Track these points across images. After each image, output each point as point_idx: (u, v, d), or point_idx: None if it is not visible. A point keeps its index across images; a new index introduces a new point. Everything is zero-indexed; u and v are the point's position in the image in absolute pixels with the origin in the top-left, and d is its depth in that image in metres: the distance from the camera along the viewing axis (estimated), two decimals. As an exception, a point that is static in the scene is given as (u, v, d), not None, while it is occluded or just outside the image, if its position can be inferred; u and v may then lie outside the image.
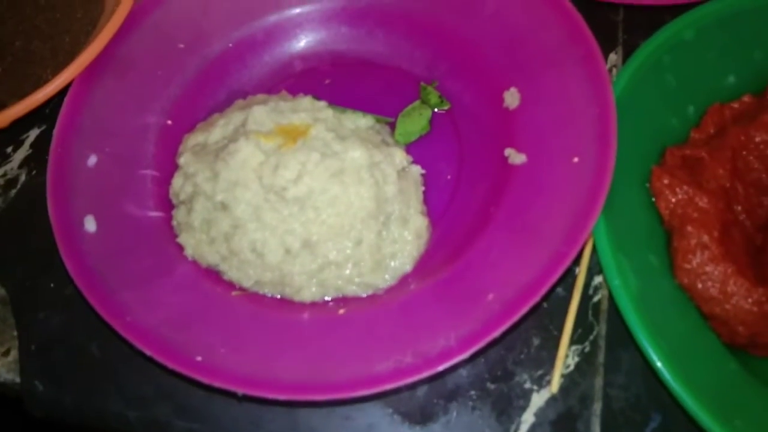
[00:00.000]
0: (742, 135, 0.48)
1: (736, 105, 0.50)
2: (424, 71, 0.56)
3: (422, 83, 0.55)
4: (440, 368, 0.38)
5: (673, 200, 0.45)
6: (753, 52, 0.52)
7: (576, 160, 0.45)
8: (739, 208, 0.46)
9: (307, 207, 0.45)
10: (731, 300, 0.42)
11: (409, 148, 0.53)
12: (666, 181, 0.46)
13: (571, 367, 0.47)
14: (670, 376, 0.40)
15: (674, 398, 0.40)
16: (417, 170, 0.50)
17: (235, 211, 0.45)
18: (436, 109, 0.54)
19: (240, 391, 0.40)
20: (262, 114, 0.47)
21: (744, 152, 0.47)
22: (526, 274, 0.42)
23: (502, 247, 0.45)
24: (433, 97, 0.54)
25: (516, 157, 0.48)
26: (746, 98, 0.51)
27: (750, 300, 0.42)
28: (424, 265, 0.47)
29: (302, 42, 0.56)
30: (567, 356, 0.47)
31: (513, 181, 0.48)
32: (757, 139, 0.48)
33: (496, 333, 0.39)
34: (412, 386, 0.45)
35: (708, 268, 0.43)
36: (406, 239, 0.48)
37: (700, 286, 0.43)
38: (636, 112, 0.48)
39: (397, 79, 0.56)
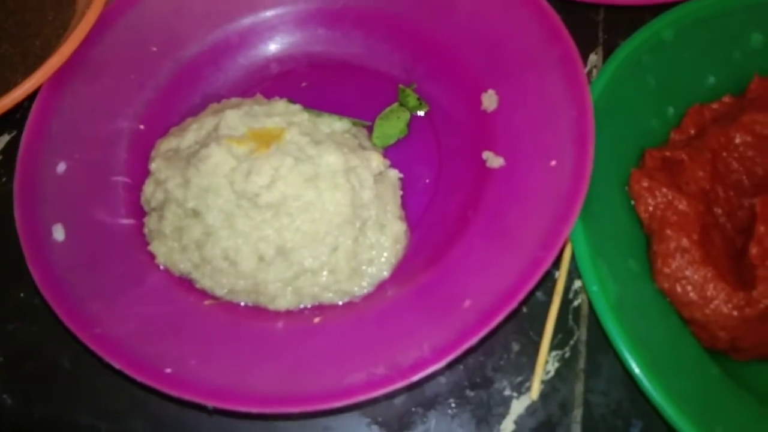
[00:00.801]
0: (722, 136, 0.47)
1: (716, 106, 0.50)
2: (402, 73, 0.55)
3: (400, 85, 0.54)
4: (413, 379, 0.37)
5: (653, 203, 0.45)
6: (732, 53, 0.51)
7: (554, 163, 0.44)
8: (720, 210, 0.46)
9: (280, 213, 0.44)
10: (711, 304, 0.42)
11: (387, 152, 0.52)
12: (645, 184, 0.45)
13: (551, 373, 0.46)
14: (649, 383, 0.39)
15: (654, 406, 0.40)
16: (395, 174, 0.49)
17: (207, 218, 0.44)
18: (414, 112, 0.54)
19: (211, 404, 0.39)
20: (234, 118, 0.46)
21: (724, 154, 0.47)
22: (504, 280, 0.41)
23: (479, 252, 0.44)
24: (412, 99, 0.54)
25: (494, 161, 0.48)
26: (726, 99, 0.50)
27: (730, 304, 0.41)
28: (401, 271, 0.46)
29: (278, 44, 0.55)
30: (547, 362, 0.46)
31: (491, 185, 0.47)
32: (737, 141, 0.47)
33: (471, 342, 0.39)
34: (389, 396, 0.44)
35: (688, 272, 0.42)
36: (383, 245, 0.47)
37: (679, 290, 0.43)
38: (615, 113, 0.48)
39: (374, 81, 0.55)
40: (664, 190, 0.45)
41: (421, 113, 0.53)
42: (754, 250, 0.41)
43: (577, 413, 0.45)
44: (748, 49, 0.51)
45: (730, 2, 0.51)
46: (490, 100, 0.50)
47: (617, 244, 0.44)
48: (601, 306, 0.41)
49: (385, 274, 0.46)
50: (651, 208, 0.45)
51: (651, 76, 0.49)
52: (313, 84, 0.55)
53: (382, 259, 0.47)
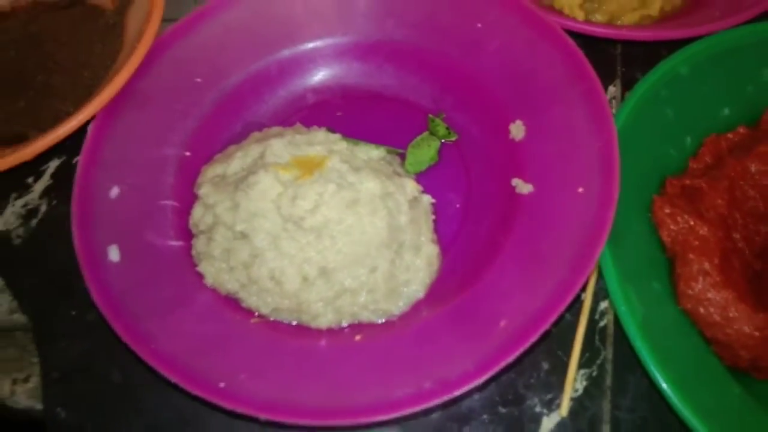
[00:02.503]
0: (738, 166, 0.50)
1: (731, 136, 0.53)
2: (431, 103, 0.58)
3: (430, 115, 0.57)
4: (458, 392, 0.40)
5: (675, 228, 0.47)
6: (746, 86, 0.54)
7: (581, 190, 0.47)
8: (738, 236, 0.48)
9: (323, 236, 0.47)
10: (733, 325, 0.44)
11: (419, 178, 0.54)
12: (667, 210, 0.48)
13: (580, 391, 0.48)
14: (676, 398, 0.41)
15: (681, 420, 0.42)
16: (427, 199, 0.52)
17: (255, 241, 0.47)
18: (443, 140, 0.56)
19: (262, 416, 0.41)
20: (279, 147, 0.49)
21: (741, 182, 0.49)
22: (537, 302, 0.44)
23: (511, 275, 0.46)
24: (441, 128, 0.57)
25: (523, 187, 0.50)
26: (741, 129, 0.53)
27: (751, 325, 0.44)
28: (435, 292, 0.49)
29: (315, 75, 0.58)
30: (575, 380, 0.48)
31: (520, 211, 0.50)
32: (753, 169, 0.50)
33: (511, 358, 0.41)
34: (429, 411, 0.46)
35: (710, 295, 0.45)
36: (418, 266, 0.49)
37: (702, 311, 0.45)
38: (636, 143, 0.51)
39: (405, 111, 0.58)
40: (686, 216, 0.47)
41: (450, 141, 0.56)
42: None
43: (606, 429, 0.47)
44: (761, 82, 0.54)
45: (742, 39, 0.55)
46: (518, 130, 0.53)
47: (642, 267, 0.47)
48: (629, 325, 0.44)
49: (420, 294, 0.49)
50: (673, 233, 0.47)
51: (669, 108, 0.53)
52: (348, 113, 0.58)
53: (418, 280, 0.49)
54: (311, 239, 0.47)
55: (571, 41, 0.53)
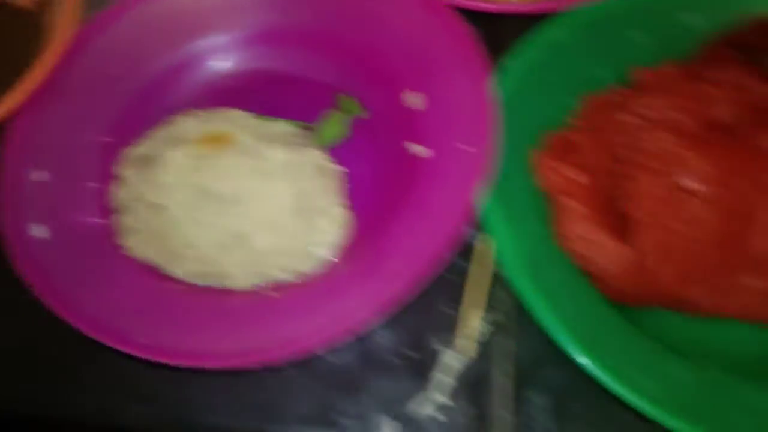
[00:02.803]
0: (610, 119, 0.55)
1: (607, 94, 0.58)
2: (340, 81, 0.62)
3: (338, 93, 0.62)
4: (362, 331, 0.45)
5: (552, 177, 0.53)
6: (619, 49, 0.60)
7: (467, 148, 0.52)
8: (611, 182, 0.54)
9: (235, 204, 0.51)
10: (605, 260, 0.49)
11: (333, 151, 0.59)
12: (547, 162, 0.53)
13: (483, 332, 0.53)
14: (559, 332, 0.46)
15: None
16: (336, 168, 0.57)
17: (171, 212, 0.51)
18: (353, 115, 0.61)
19: (182, 364, 0.46)
20: (191, 124, 0.54)
21: (611, 133, 0.55)
22: (428, 251, 0.49)
23: (408, 231, 0.51)
24: (349, 104, 0.61)
25: (420, 152, 0.55)
26: (616, 88, 0.59)
27: (618, 259, 0.49)
28: (345, 251, 0.54)
29: (230, 62, 0.62)
30: (478, 322, 0.53)
31: (418, 173, 0.55)
32: (624, 120, 0.55)
33: (406, 298, 0.46)
34: (340, 355, 0.51)
35: (583, 234, 0.50)
36: (328, 230, 0.54)
37: (578, 249, 0.50)
38: (521, 105, 0.56)
39: (317, 90, 0.62)
40: (562, 165, 0.53)
41: (358, 116, 0.61)
42: (629, 207, 0.49)
43: (509, 368, 0.52)
44: (631, 44, 0.60)
45: (614, 6, 0.60)
46: (415, 100, 0.58)
47: (526, 212, 0.52)
48: (509, 263, 0.49)
49: (331, 254, 0.53)
50: (551, 182, 0.53)
51: (550, 73, 0.58)
52: (262, 96, 0.62)
53: (328, 242, 0.54)
54: (224, 207, 0.51)
55: (456, 14, 0.58)
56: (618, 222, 0.50)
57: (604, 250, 0.49)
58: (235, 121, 0.55)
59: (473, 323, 0.53)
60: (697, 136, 0.50)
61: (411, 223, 0.51)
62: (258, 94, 0.62)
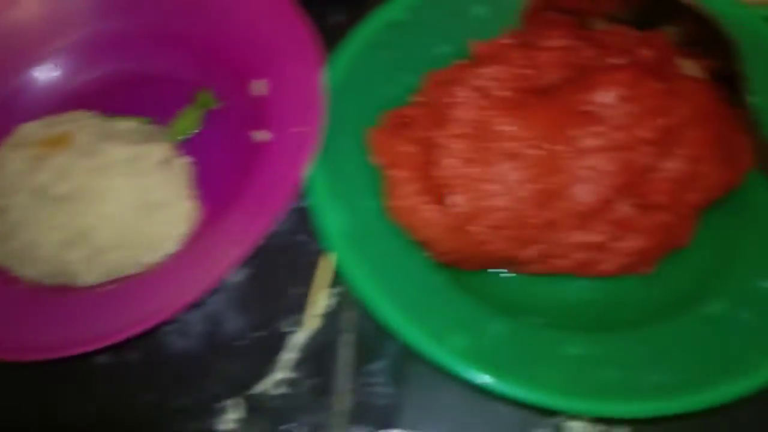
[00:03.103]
0: (446, 92, 0.56)
1: (448, 69, 0.59)
2: (196, 77, 0.63)
3: (197, 88, 0.63)
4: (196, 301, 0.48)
5: (385, 153, 0.54)
6: (460, 24, 0.61)
7: (300, 130, 0.53)
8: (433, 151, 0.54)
9: (75, 202, 0.52)
10: (431, 228, 0.50)
11: (184, 144, 0.60)
12: (379, 138, 0.54)
13: (328, 307, 0.54)
14: (381, 300, 0.47)
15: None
16: (183, 161, 0.58)
17: (11, 215, 0.52)
18: (207, 108, 0.62)
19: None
20: (30, 128, 0.55)
21: (446, 107, 0.56)
22: (257, 226, 0.50)
23: (243, 210, 0.53)
24: (205, 98, 0.62)
25: (262, 136, 0.56)
26: (457, 63, 0.60)
27: (441, 226, 0.50)
28: (191, 239, 0.55)
29: (82, 67, 0.63)
30: (324, 297, 0.54)
31: (259, 157, 0.56)
32: (460, 94, 0.56)
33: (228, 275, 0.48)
34: (184, 340, 0.53)
35: (411, 204, 0.51)
36: (173, 221, 0.55)
37: (407, 219, 0.51)
38: (359, 85, 0.57)
39: (175, 88, 0.63)
40: (396, 140, 0.54)
41: (212, 108, 0.62)
42: (439, 173, 0.50)
43: (350, 337, 0.53)
44: (471, 18, 0.61)
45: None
46: (260, 88, 0.59)
47: (357, 189, 0.53)
48: (330, 236, 0.50)
49: (176, 244, 0.54)
50: (384, 157, 0.54)
51: (389, 51, 0.59)
52: (117, 97, 0.63)
53: (173, 234, 0.55)
54: (64, 207, 0.52)
55: (294, 9, 0.59)
56: (439, 189, 0.51)
57: (427, 217, 0.50)
58: (78, 122, 0.56)
59: (321, 301, 0.54)
60: (510, 100, 0.51)
61: (245, 203, 0.53)
62: (116, 97, 0.63)
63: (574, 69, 0.54)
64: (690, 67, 0.53)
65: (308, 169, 0.52)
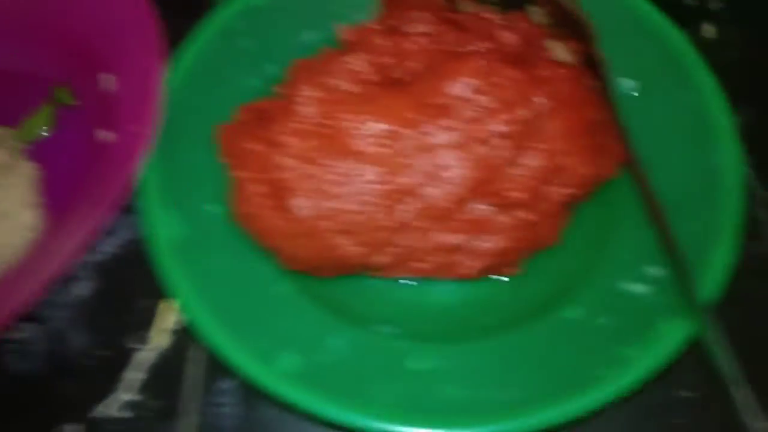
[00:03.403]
0: (309, 81, 0.52)
1: (316, 58, 0.55)
2: (50, 72, 0.59)
3: (51, 85, 0.58)
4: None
5: (235, 153, 0.49)
6: (327, 8, 0.56)
7: (137, 130, 0.49)
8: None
9: None
10: (280, 234, 0.46)
11: (34, 147, 0.56)
12: (228, 136, 0.50)
13: (177, 322, 0.50)
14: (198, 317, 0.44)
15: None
16: (29, 166, 0.54)
17: None
18: (62, 105, 0.58)
19: None
20: None
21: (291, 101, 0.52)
22: (84, 230, 0.46)
23: (77, 215, 0.48)
24: (62, 95, 0.58)
25: (109, 137, 0.52)
26: (326, 50, 0.55)
27: (292, 232, 0.46)
28: (29, 253, 0.51)
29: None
30: (173, 311, 0.50)
31: (102, 158, 0.51)
32: (330, 83, 0.52)
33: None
34: (22, 361, 0.49)
35: (259, 210, 0.47)
36: (12, 232, 0.51)
37: (256, 225, 0.47)
38: (210, 77, 0.53)
39: (25, 86, 0.59)
40: (246, 137, 0.50)
41: (69, 106, 0.58)
42: (275, 172, 0.46)
43: (200, 354, 0.49)
44: (341, 1, 0.56)
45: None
46: (109, 85, 0.54)
47: (198, 192, 0.49)
48: (159, 248, 0.46)
49: (16, 256, 0.50)
50: (232, 157, 0.49)
51: (247, 39, 0.54)
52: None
53: (12, 245, 0.51)
54: None
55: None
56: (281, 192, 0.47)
57: (272, 224, 0.46)
58: None
59: (170, 316, 0.51)
60: (358, 94, 0.47)
61: (79, 210, 0.48)
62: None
63: (436, 56, 0.50)
64: (560, 51, 0.49)
65: (140, 172, 0.48)
